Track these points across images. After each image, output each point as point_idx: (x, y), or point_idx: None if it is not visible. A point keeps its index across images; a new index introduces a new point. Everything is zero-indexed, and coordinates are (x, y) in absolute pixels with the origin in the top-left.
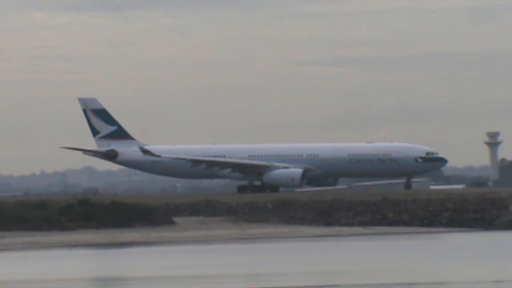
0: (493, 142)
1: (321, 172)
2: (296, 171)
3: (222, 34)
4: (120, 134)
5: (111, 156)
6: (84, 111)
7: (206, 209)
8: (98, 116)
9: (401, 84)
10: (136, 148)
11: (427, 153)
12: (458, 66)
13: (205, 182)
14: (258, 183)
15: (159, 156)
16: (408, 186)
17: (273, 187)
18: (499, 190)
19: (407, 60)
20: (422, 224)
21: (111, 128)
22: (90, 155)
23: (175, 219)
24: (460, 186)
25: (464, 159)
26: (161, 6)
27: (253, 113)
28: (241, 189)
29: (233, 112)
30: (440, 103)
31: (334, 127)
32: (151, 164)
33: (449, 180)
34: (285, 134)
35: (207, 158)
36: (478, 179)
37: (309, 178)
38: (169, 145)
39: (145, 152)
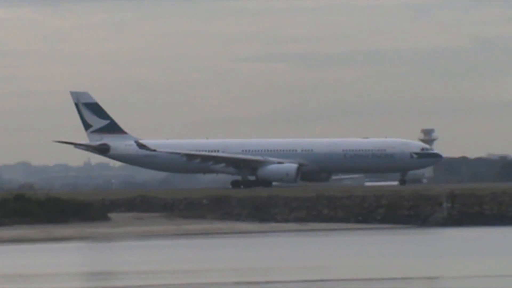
0: (427, 139)
1: (315, 167)
2: (290, 166)
3: (160, 30)
4: (113, 128)
5: (103, 150)
6: (76, 104)
7: (141, 205)
8: (90, 109)
9: (337, 81)
10: (129, 142)
11: (422, 149)
12: (394, 63)
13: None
14: (252, 178)
15: (154, 150)
16: (403, 182)
17: (267, 182)
18: (433, 187)
19: (344, 57)
20: (357, 221)
21: (103, 122)
22: (82, 149)
23: (110, 215)
24: (395, 183)
25: None
26: (98, 2)
27: (191, 109)
28: (235, 184)
29: (172, 108)
30: (376, 99)
31: (271, 123)
32: (144, 158)
33: (384, 176)
34: (222, 130)
35: (202, 153)
36: (413, 175)
37: (303, 173)
38: (162, 139)
39: (141, 146)
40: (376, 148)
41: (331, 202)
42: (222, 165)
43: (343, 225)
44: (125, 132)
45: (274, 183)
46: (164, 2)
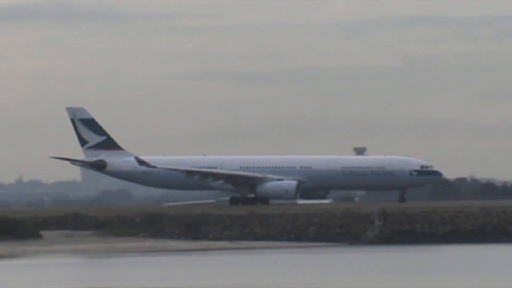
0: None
1: (314, 184)
2: (290, 183)
3: (93, 47)
4: (109, 144)
5: (99, 166)
6: (72, 120)
7: (73, 222)
8: (86, 125)
9: (270, 99)
10: (126, 159)
11: (422, 166)
12: (326, 81)
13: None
14: (251, 195)
15: (154, 166)
16: (402, 199)
17: (267, 199)
18: (365, 205)
19: (277, 75)
20: (289, 239)
21: (99, 138)
22: (78, 165)
23: (42, 232)
24: (328, 201)
25: None
26: (30, 19)
27: (124, 127)
28: (234, 201)
29: (104, 126)
30: (308, 117)
31: (205, 141)
32: (142, 175)
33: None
34: (156, 148)
35: (201, 169)
36: (344, 194)
37: (301, 190)
38: (159, 155)
39: (141, 162)
40: (375, 165)
41: (264, 220)
42: (221, 181)
43: (275, 243)
44: (122, 149)
45: (271, 201)
46: (98, 20)
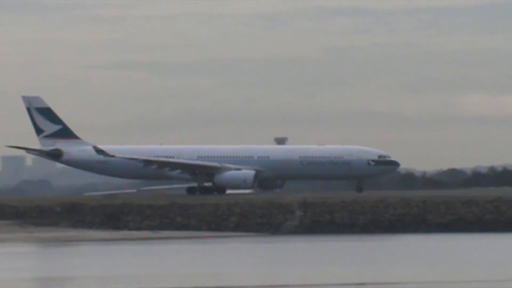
0: None
1: (272, 174)
2: (248, 172)
3: (13, 37)
4: (65, 133)
5: (55, 155)
6: (28, 109)
7: None
8: (42, 114)
9: (191, 89)
10: (83, 148)
11: (380, 156)
12: (248, 71)
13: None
14: (208, 184)
15: (113, 156)
16: (359, 189)
17: (223, 189)
18: (285, 195)
19: (198, 65)
20: (209, 229)
21: (56, 127)
22: (34, 154)
23: None
24: (248, 191)
25: None
26: None
27: None
28: (191, 191)
29: (25, 116)
30: (230, 107)
31: (126, 131)
32: (98, 164)
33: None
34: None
35: (159, 159)
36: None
37: (259, 180)
38: (116, 145)
39: (99, 151)
40: (333, 155)
41: (184, 210)
42: (178, 171)
43: (196, 233)
44: (78, 138)
45: (229, 191)
46: (17, 9)
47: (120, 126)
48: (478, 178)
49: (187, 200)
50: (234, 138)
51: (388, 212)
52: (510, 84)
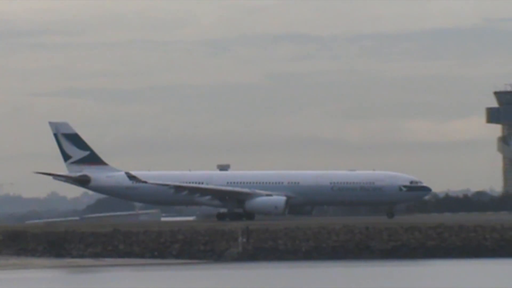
0: None
1: (302, 200)
2: (279, 198)
3: None
4: (93, 159)
5: (83, 181)
6: (55, 135)
7: None
8: (69, 140)
9: (135, 116)
10: (110, 174)
11: (411, 182)
12: (191, 98)
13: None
14: (238, 210)
15: (145, 182)
16: (391, 215)
17: (252, 215)
18: (229, 222)
19: (142, 92)
20: (152, 256)
21: (83, 153)
22: (61, 180)
23: None
24: (191, 218)
25: None
26: None
27: None
28: (221, 217)
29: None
30: (173, 134)
31: None
32: (126, 190)
33: (180, 212)
34: (18, 166)
35: (190, 185)
36: (208, 211)
37: (290, 206)
38: (144, 170)
39: (131, 177)
40: (364, 180)
41: (127, 237)
42: (208, 197)
43: (138, 261)
44: (106, 164)
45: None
46: None
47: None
48: (421, 204)
49: (130, 227)
50: (177, 165)
51: (331, 238)
52: (453, 110)
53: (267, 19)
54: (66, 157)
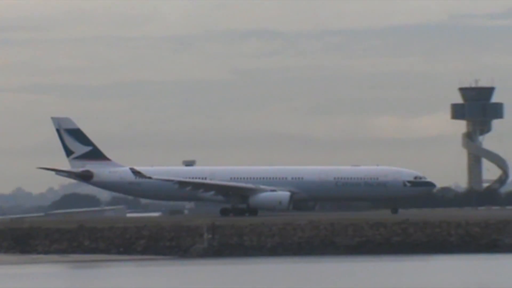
0: None
1: (306, 195)
2: (284, 194)
3: None
4: (96, 154)
5: (86, 177)
6: (58, 130)
7: None
8: (72, 136)
9: (101, 112)
10: (113, 169)
11: (415, 177)
12: (157, 94)
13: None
14: (242, 206)
15: (149, 177)
16: (395, 210)
17: (255, 211)
18: (194, 218)
19: (107, 88)
20: (118, 252)
21: (86, 148)
22: (64, 175)
23: None
24: (157, 214)
25: None
26: None
27: None
28: (224, 212)
29: None
30: (139, 130)
31: (38, 154)
32: (129, 185)
33: (146, 207)
34: None
35: (194, 180)
36: (174, 207)
37: (294, 201)
38: (147, 166)
39: (136, 173)
40: (368, 176)
41: (92, 233)
42: (212, 192)
43: (104, 257)
44: (108, 159)
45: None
46: None
47: (33, 150)
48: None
49: (95, 223)
50: (147, 160)
51: (297, 234)
52: (419, 106)
53: (233, 15)
54: (68, 152)
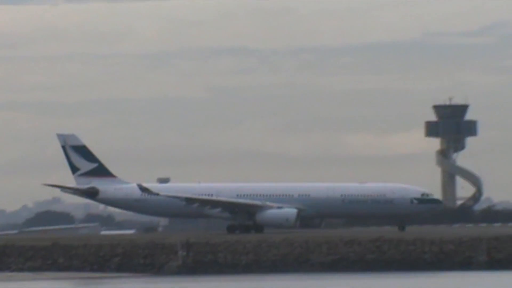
0: None
1: (312, 212)
2: (291, 211)
3: None
4: (101, 171)
5: (91, 194)
6: (63, 147)
7: None
8: (77, 152)
9: (75, 129)
10: (119, 186)
11: (422, 194)
12: (132, 111)
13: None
14: (249, 222)
15: (157, 194)
16: (402, 228)
17: (262, 228)
18: (168, 235)
19: (82, 105)
20: (92, 269)
21: (91, 165)
22: (69, 192)
23: None
24: (131, 231)
25: None
26: None
27: None
28: (231, 229)
29: None
30: (114, 147)
31: (11, 171)
32: (135, 202)
33: (120, 225)
34: None
35: (201, 197)
36: (148, 224)
37: (301, 218)
38: (152, 183)
39: (144, 189)
40: (375, 193)
41: (67, 251)
42: (218, 209)
43: (77, 274)
44: (114, 176)
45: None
46: None
47: (5, 167)
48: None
49: (70, 241)
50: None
51: (271, 252)
52: (394, 124)
53: (208, 33)
54: (74, 169)
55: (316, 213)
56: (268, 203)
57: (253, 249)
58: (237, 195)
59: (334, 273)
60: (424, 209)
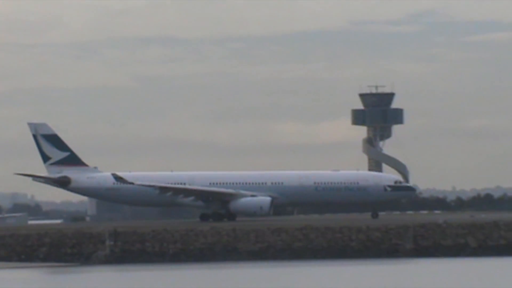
0: None
1: (286, 200)
2: (264, 199)
3: None
4: (73, 160)
5: (63, 183)
6: (34, 136)
7: None
8: (49, 141)
9: (2, 119)
10: (91, 175)
11: (396, 182)
12: (58, 101)
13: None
14: (222, 211)
15: (131, 183)
16: (375, 215)
17: (234, 216)
18: (96, 225)
19: (7, 95)
20: (20, 259)
21: (63, 154)
22: (40, 181)
23: None
24: (59, 221)
25: (60, 196)
26: None
27: None
28: (204, 218)
29: None
30: None
31: None
32: (107, 191)
33: (47, 215)
34: None
35: (175, 186)
36: (76, 213)
37: (274, 206)
38: (125, 171)
39: (118, 178)
40: (348, 180)
41: None
42: (191, 198)
43: (5, 264)
44: (86, 165)
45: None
46: None
47: None
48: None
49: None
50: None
51: (199, 240)
52: (322, 112)
53: (135, 22)
54: (45, 158)
55: (289, 201)
56: (242, 191)
57: (181, 238)
58: (210, 183)
59: (261, 261)
60: (397, 196)
